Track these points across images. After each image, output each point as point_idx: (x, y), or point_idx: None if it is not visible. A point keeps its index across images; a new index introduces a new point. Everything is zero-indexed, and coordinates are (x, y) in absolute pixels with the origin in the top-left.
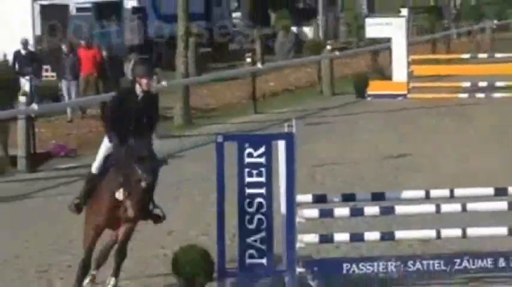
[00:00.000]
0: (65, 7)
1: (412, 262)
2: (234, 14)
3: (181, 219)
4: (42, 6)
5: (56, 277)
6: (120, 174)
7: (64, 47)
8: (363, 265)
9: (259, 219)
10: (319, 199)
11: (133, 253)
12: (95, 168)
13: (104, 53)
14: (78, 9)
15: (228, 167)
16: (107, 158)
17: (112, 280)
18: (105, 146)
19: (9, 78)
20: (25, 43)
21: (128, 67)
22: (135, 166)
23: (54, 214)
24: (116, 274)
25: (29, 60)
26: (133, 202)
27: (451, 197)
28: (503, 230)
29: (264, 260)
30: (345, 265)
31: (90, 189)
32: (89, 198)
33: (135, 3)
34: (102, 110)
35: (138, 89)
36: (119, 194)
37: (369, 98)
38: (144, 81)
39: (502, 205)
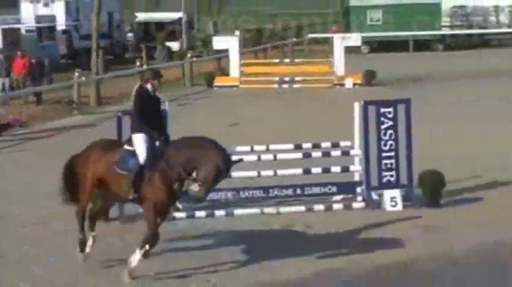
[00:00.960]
0: (18, 29)
1: (242, 191)
2: (128, 34)
3: None
4: (3, 29)
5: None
6: (178, 166)
7: (1, 56)
8: (211, 194)
9: None
10: None
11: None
12: (142, 160)
13: (33, 60)
14: (27, 31)
15: (125, 133)
16: (150, 150)
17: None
18: (141, 140)
19: None
20: None
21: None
22: (221, 160)
23: (15, 165)
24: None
25: None
26: (206, 185)
27: (267, 150)
28: (299, 171)
29: None
30: None
31: (139, 178)
32: (142, 186)
33: (64, 27)
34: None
35: (149, 87)
36: (177, 186)
37: (215, 88)
38: (155, 82)
39: (298, 155)
